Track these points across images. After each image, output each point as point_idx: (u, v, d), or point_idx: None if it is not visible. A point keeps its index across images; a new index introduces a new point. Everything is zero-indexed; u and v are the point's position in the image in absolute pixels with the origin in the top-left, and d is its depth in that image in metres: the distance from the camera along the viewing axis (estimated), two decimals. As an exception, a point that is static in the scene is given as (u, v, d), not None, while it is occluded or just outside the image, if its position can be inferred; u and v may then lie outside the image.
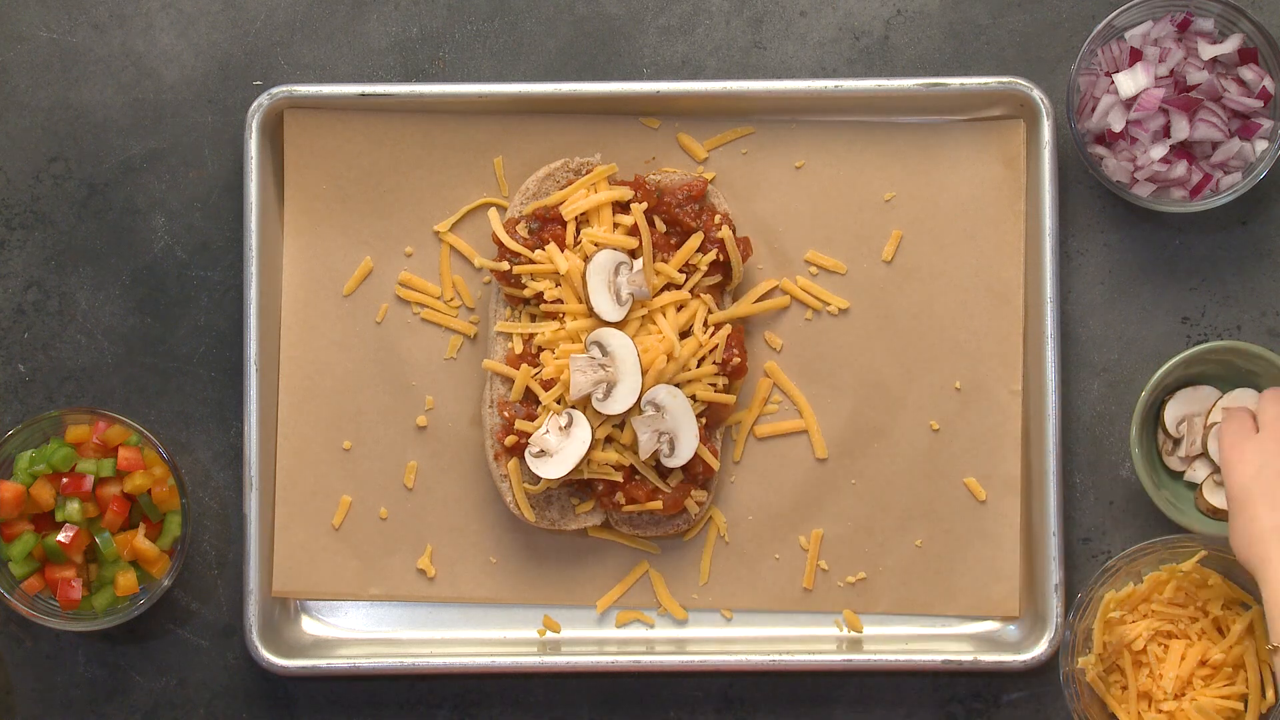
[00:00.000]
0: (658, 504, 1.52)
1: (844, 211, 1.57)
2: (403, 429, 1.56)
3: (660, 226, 1.53)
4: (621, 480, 1.52)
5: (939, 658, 1.53)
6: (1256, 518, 1.40)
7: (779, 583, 1.56)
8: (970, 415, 1.56)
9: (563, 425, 1.50)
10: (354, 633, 1.57)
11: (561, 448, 1.50)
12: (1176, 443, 1.55)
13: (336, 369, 1.57)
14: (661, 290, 1.52)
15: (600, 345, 1.51)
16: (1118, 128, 1.51)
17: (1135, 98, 1.50)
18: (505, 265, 1.52)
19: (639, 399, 1.50)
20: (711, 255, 1.52)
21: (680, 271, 1.52)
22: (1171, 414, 1.55)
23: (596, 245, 1.51)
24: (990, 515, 1.56)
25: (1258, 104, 1.51)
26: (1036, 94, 1.54)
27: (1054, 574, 1.53)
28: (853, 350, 1.57)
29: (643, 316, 1.52)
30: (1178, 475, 1.56)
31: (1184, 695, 1.50)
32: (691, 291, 1.52)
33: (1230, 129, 1.51)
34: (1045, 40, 1.58)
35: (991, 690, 1.57)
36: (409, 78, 1.58)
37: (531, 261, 1.52)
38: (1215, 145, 1.52)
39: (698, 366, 1.52)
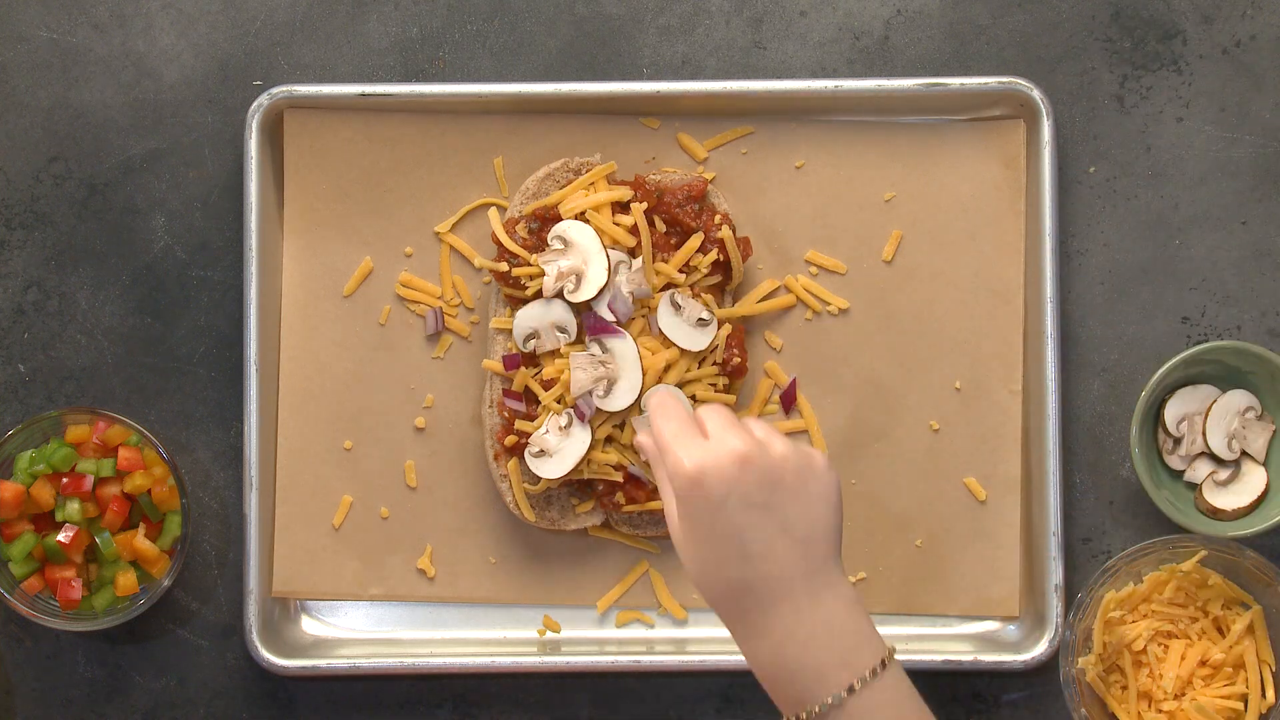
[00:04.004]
0: (658, 504, 1.52)
1: (844, 211, 1.57)
2: (403, 429, 1.56)
3: (660, 226, 1.53)
4: (621, 480, 1.52)
5: (939, 658, 1.53)
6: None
7: (779, 583, 1.56)
8: (970, 415, 1.56)
9: (563, 425, 1.50)
10: (354, 633, 1.57)
11: (561, 447, 1.50)
12: (1177, 442, 1.55)
13: (336, 369, 1.57)
14: (662, 289, 1.52)
15: (600, 342, 1.50)
16: None
17: None
18: (504, 266, 1.52)
19: (639, 397, 1.50)
20: (712, 255, 1.52)
21: (680, 271, 1.52)
22: (1171, 414, 1.55)
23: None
24: (990, 515, 1.56)
25: None
26: (1036, 94, 1.54)
27: (1054, 574, 1.52)
28: (853, 350, 1.57)
29: (643, 315, 1.52)
30: (1178, 475, 1.56)
31: (1184, 695, 1.50)
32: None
33: None
34: (1045, 40, 1.58)
35: (991, 690, 1.57)
36: (409, 78, 1.58)
37: (530, 263, 1.52)
38: None
39: (698, 366, 1.52)
